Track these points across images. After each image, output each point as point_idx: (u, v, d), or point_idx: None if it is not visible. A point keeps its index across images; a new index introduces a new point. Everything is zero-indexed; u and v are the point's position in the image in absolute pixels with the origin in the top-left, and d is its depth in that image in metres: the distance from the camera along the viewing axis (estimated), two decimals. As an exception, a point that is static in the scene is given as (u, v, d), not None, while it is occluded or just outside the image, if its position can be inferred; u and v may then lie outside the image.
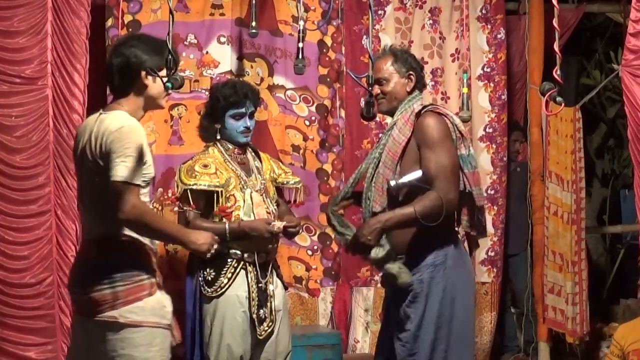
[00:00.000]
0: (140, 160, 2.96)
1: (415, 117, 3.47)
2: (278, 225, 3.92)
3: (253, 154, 4.18)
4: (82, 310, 3.05)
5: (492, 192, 5.55)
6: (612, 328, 6.24)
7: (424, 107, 3.51)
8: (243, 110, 4.04)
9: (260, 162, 4.18)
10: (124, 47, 3.15)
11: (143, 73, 3.11)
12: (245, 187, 3.99)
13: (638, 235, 5.73)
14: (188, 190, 3.95)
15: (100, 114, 3.10)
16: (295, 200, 4.27)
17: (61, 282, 4.47)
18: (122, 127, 2.98)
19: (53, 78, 4.50)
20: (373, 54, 3.63)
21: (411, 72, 3.58)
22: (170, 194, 5.06)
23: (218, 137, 4.09)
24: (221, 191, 3.96)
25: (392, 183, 3.41)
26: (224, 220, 3.95)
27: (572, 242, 5.45)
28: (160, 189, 5.05)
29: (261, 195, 4.03)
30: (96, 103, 4.86)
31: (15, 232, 4.46)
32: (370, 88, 3.38)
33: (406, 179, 3.40)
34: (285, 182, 4.23)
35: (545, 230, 5.59)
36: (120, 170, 2.91)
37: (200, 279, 3.96)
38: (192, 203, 3.95)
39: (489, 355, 5.64)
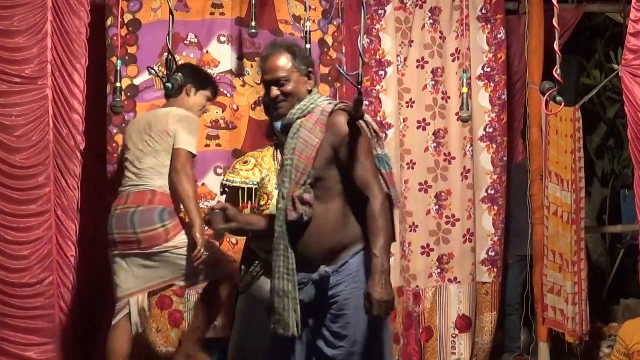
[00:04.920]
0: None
1: (327, 116, 3.18)
2: None
3: None
4: (134, 248, 4.20)
5: (492, 192, 5.55)
6: (612, 328, 6.24)
7: (336, 105, 3.22)
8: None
9: None
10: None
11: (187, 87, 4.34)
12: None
13: (638, 235, 5.73)
14: (225, 186, 4.07)
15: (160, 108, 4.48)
16: None
17: (61, 282, 4.48)
18: (189, 114, 4.29)
19: (53, 78, 4.49)
20: (363, 53, 3.50)
21: (310, 70, 3.28)
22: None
23: (274, 137, 4.10)
24: (254, 188, 4.01)
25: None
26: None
27: (572, 242, 5.45)
28: (161, 189, 5.05)
29: None
30: (96, 103, 4.89)
31: (15, 232, 4.46)
32: (360, 86, 3.27)
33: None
34: None
35: (545, 230, 5.59)
36: (186, 142, 4.18)
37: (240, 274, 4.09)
38: (226, 198, 4.05)
39: (490, 355, 5.64)
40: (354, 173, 3.15)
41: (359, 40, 3.08)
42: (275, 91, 3.23)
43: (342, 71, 3.87)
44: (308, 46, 3.90)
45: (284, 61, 3.24)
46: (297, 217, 3.13)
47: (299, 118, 3.22)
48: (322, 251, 3.16)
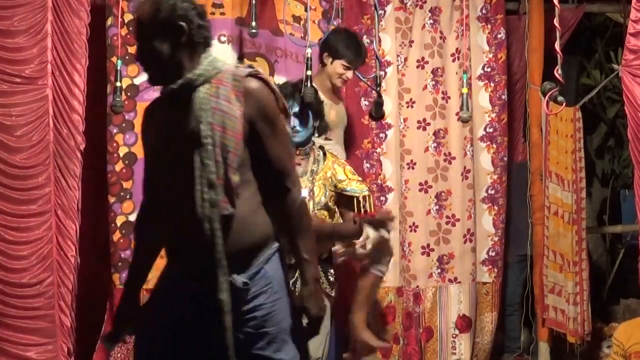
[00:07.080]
0: None
1: (241, 82, 2.60)
2: None
3: (321, 156, 4.10)
4: None
5: (493, 192, 5.55)
6: (612, 328, 6.23)
7: (246, 69, 2.67)
8: (289, 110, 3.98)
9: (319, 164, 4.09)
10: None
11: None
12: None
13: (638, 235, 5.73)
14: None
15: None
16: (359, 211, 4.06)
17: (61, 282, 4.48)
18: None
19: (53, 78, 4.50)
20: (380, 56, 3.37)
21: (182, 22, 2.75)
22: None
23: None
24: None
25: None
26: None
27: (572, 242, 5.45)
28: (161, 189, 5.05)
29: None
30: (96, 103, 4.88)
31: (15, 231, 4.46)
32: (378, 88, 3.16)
33: None
34: (343, 190, 4.08)
35: (545, 230, 5.59)
36: None
37: None
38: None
39: (490, 355, 5.64)
40: (271, 154, 2.58)
41: (374, 43, 3.05)
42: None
43: (359, 75, 3.82)
44: (309, 72, 3.76)
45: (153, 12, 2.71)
46: (231, 211, 2.50)
47: (200, 85, 2.62)
48: (229, 254, 2.51)
